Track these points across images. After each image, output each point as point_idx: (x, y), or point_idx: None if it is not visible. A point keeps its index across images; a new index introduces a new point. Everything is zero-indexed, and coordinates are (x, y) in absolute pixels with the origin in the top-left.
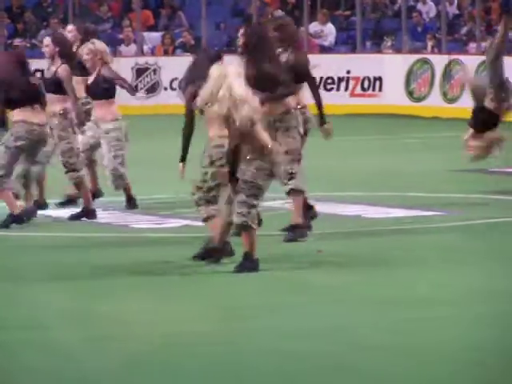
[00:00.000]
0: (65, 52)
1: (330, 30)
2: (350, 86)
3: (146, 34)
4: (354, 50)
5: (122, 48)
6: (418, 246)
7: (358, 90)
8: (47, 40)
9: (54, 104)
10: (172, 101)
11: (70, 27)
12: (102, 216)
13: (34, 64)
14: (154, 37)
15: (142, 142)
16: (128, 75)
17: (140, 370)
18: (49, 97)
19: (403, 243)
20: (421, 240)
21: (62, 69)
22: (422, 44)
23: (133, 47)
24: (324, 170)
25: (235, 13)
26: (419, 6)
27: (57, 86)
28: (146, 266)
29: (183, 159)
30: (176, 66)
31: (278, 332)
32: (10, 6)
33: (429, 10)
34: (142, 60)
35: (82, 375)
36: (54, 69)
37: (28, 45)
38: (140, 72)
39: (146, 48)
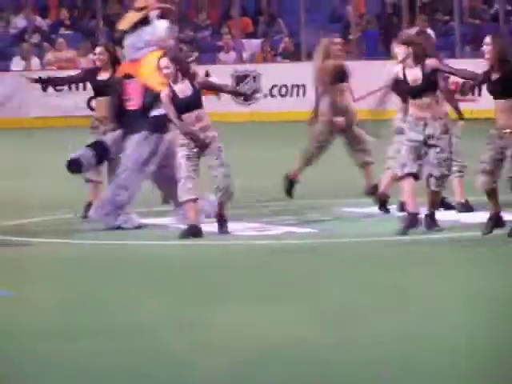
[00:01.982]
0: (184, 70)
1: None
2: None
3: (245, 41)
4: (453, 55)
5: (221, 55)
6: None
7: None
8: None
9: None
10: (272, 108)
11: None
12: (205, 224)
13: None
14: (253, 44)
15: (243, 148)
16: (227, 82)
17: (249, 375)
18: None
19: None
20: None
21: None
22: None
23: (232, 54)
24: None
25: (334, 19)
26: None
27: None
28: (248, 272)
29: None
30: (276, 72)
31: (380, 336)
32: (108, 15)
33: None
34: (241, 67)
35: (196, 382)
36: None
37: None
38: (239, 79)
39: (245, 55)
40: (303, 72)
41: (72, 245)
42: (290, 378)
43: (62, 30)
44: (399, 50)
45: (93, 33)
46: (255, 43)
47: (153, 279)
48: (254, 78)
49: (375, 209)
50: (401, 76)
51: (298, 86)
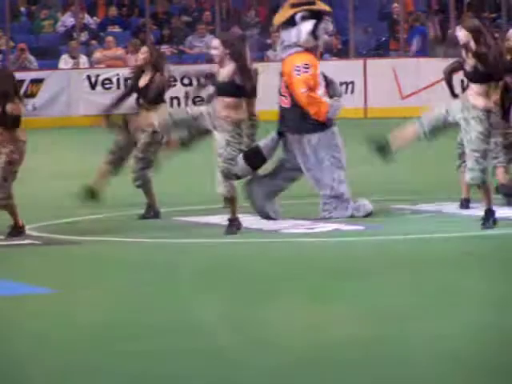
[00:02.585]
0: (234, 55)
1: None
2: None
3: None
4: None
5: (270, 53)
6: None
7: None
8: (216, 42)
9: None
10: None
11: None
12: (253, 222)
13: (182, 70)
14: None
15: None
16: (276, 80)
17: (301, 373)
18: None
19: None
20: None
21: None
22: None
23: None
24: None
25: (382, 16)
26: None
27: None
28: (297, 270)
29: None
30: (324, 70)
31: (431, 333)
32: (156, 13)
33: None
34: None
35: (249, 381)
36: (225, 72)
37: (175, 51)
38: None
39: None
40: (352, 69)
41: (122, 243)
42: (342, 377)
43: (110, 28)
44: (461, 34)
45: (141, 30)
46: None
47: (204, 277)
48: None
49: (423, 206)
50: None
51: (346, 83)
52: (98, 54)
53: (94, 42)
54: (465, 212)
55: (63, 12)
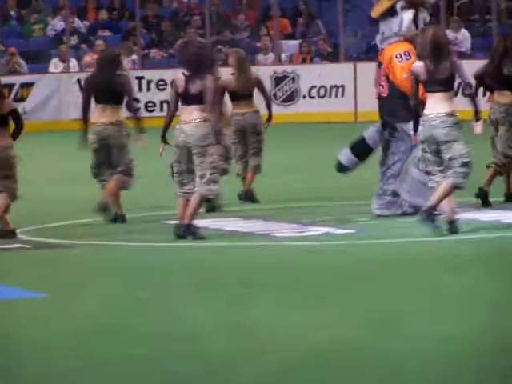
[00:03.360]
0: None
1: (463, 36)
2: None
3: (283, 42)
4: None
5: (260, 57)
6: None
7: None
8: None
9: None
10: (311, 109)
11: None
12: (243, 225)
13: (172, 74)
14: (291, 45)
15: (281, 149)
16: (266, 84)
17: (293, 380)
18: None
19: None
20: None
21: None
22: None
23: (270, 56)
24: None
25: (373, 20)
26: None
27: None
28: (289, 274)
29: None
30: (314, 74)
31: (425, 336)
32: (146, 16)
33: None
34: (280, 68)
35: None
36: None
37: (165, 55)
38: (278, 80)
39: (283, 56)
40: (342, 73)
41: (112, 247)
42: (337, 381)
43: (100, 32)
44: None
45: (131, 34)
46: (294, 44)
47: (195, 281)
48: (293, 79)
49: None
50: None
51: (336, 86)
52: (88, 58)
53: (84, 45)
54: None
55: (53, 16)
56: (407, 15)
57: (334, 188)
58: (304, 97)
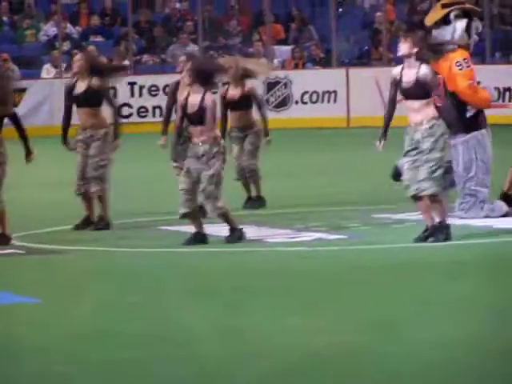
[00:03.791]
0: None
1: None
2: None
3: (276, 47)
4: (483, 61)
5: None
6: None
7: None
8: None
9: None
10: (303, 114)
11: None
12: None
13: (164, 79)
14: (284, 50)
15: (274, 155)
16: (259, 89)
17: (292, 381)
18: None
19: None
20: None
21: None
22: None
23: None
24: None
25: (365, 25)
26: None
27: None
28: (283, 279)
29: None
30: (306, 79)
31: (421, 341)
32: (138, 22)
33: None
34: (272, 74)
35: None
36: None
37: (157, 60)
38: (271, 86)
39: (276, 62)
40: (334, 78)
41: (105, 252)
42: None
43: (93, 38)
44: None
45: (124, 40)
46: (286, 50)
47: (189, 287)
48: (285, 84)
49: (405, 215)
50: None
51: (329, 92)
52: None
53: (76, 51)
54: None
55: (45, 22)
56: (460, 24)
57: (327, 194)
58: (296, 102)
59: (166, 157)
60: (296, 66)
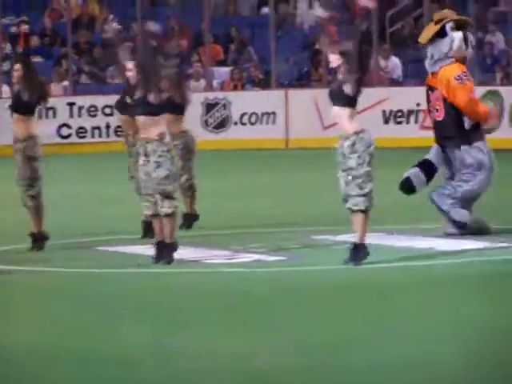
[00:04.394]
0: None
1: (394, 63)
2: (420, 119)
3: (215, 68)
4: (423, 83)
5: (191, 83)
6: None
7: (428, 122)
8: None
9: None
10: (242, 135)
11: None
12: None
13: (104, 100)
14: (223, 72)
15: (213, 176)
16: (198, 110)
17: None
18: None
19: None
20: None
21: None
22: (491, 75)
23: (202, 82)
24: (393, 203)
25: (304, 46)
26: (488, 37)
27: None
28: (220, 300)
29: None
30: (246, 100)
31: (361, 362)
32: (78, 42)
33: (498, 41)
34: (211, 95)
35: None
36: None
37: (96, 81)
38: (210, 107)
39: (215, 83)
40: (273, 100)
41: (51, 273)
42: None
43: (33, 58)
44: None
45: (63, 60)
46: (225, 71)
47: (129, 307)
48: (224, 105)
49: (346, 236)
50: None
51: (268, 113)
52: None
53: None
54: (387, 242)
55: None
56: (458, 35)
57: (266, 215)
58: (235, 123)
59: (105, 178)
60: (235, 88)
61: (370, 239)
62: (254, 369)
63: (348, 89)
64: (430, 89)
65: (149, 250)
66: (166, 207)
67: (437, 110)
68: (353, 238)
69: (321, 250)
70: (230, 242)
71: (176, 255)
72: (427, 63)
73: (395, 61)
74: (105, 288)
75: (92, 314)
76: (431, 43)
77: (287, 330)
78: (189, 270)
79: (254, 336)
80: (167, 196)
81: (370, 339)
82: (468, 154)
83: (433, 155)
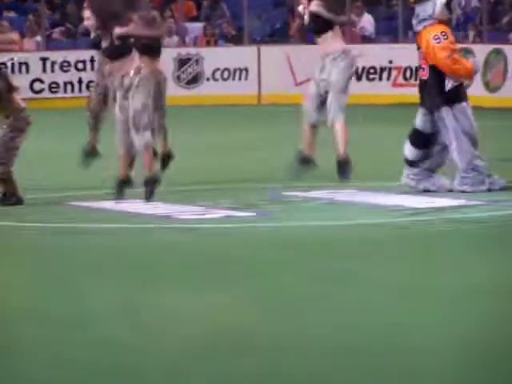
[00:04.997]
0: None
1: (367, 20)
2: (393, 76)
3: (188, 24)
4: (396, 40)
5: (166, 40)
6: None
7: (400, 79)
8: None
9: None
10: (214, 91)
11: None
12: (143, 207)
13: (76, 55)
14: (196, 27)
15: (185, 131)
16: (170, 66)
17: (191, 365)
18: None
19: (448, 233)
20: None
21: None
22: (463, 34)
23: (175, 38)
24: (367, 160)
25: (277, 3)
26: None
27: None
28: (188, 256)
29: None
30: (218, 56)
31: (326, 323)
32: None
33: None
34: (184, 51)
35: (139, 369)
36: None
37: (69, 36)
38: (182, 63)
39: (188, 39)
40: (246, 56)
41: (12, 228)
42: (240, 362)
43: (6, 13)
44: None
45: (36, 15)
46: (198, 27)
47: (94, 264)
48: (197, 61)
49: (315, 193)
50: None
51: (240, 69)
52: None
53: None
54: (357, 199)
55: None
56: (440, 0)
57: (236, 171)
58: (208, 79)
59: (77, 133)
60: (208, 43)
61: (344, 196)
62: (217, 327)
63: (324, 13)
64: (418, 47)
65: (120, 205)
66: (139, 140)
67: (423, 69)
68: (322, 194)
69: (289, 206)
70: (201, 198)
71: (147, 210)
72: (413, 22)
73: (368, 18)
74: (68, 244)
75: (54, 272)
76: (418, 3)
77: (255, 287)
78: (158, 226)
79: (221, 294)
80: (140, 129)
81: (335, 297)
82: (447, 115)
83: (422, 120)
